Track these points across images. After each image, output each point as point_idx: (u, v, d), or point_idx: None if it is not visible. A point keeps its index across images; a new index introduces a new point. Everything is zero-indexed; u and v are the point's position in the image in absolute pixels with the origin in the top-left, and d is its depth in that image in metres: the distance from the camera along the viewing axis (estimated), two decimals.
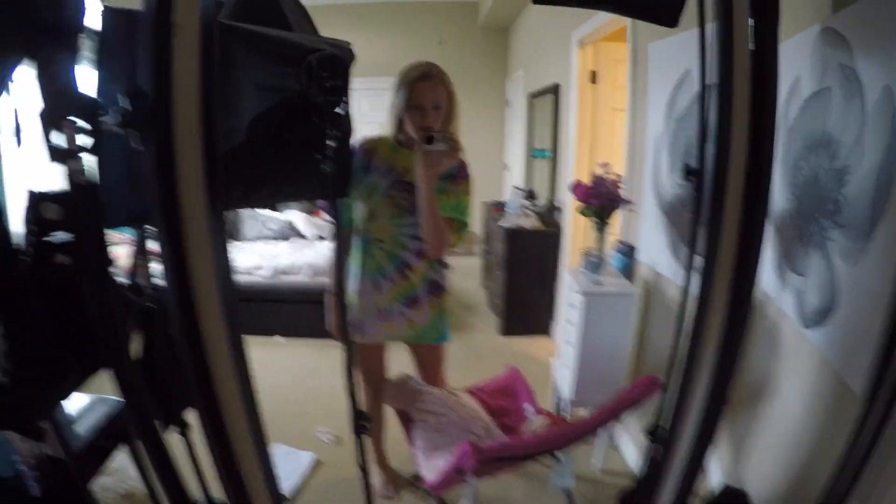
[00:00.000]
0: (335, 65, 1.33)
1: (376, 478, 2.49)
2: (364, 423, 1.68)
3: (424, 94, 1.85)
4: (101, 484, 2.38)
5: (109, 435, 1.80)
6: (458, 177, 1.96)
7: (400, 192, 1.95)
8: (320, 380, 3.71)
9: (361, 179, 1.98)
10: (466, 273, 5.91)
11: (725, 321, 1.30)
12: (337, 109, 1.36)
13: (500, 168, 6.87)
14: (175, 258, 1.07)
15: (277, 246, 5.14)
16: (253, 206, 4.72)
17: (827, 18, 1.49)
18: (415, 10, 6.51)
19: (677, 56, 2.15)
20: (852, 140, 1.38)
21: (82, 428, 1.78)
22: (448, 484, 1.86)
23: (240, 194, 1.39)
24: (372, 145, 2.02)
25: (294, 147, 1.45)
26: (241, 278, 4.54)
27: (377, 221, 1.99)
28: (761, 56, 1.17)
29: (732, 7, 1.16)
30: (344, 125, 1.45)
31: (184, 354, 1.14)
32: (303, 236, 5.55)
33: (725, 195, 1.23)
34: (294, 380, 3.72)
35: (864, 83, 1.34)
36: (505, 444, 1.78)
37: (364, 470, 1.74)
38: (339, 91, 1.35)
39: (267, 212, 5.63)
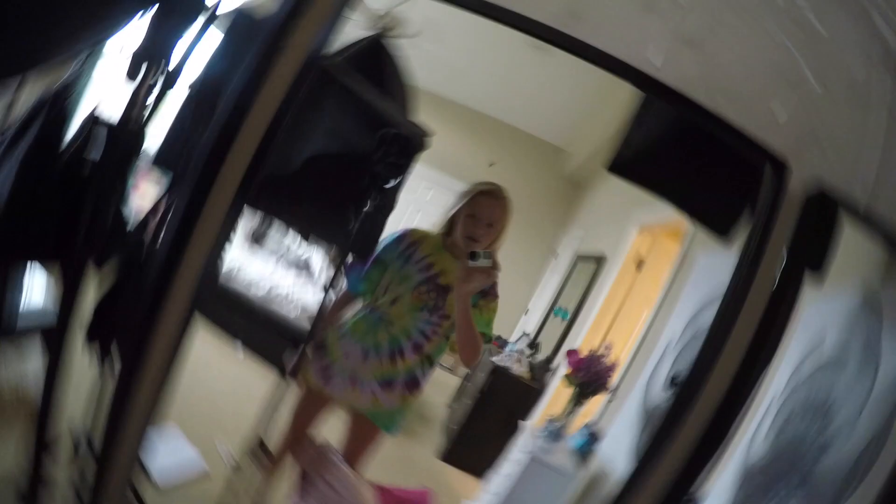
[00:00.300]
0: (406, 146, 1.44)
1: None
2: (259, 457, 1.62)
3: (484, 207, 1.93)
4: None
5: None
6: (489, 294, 1.98)
7: (430, 291, 1.99)
8: (255, 407, 3.56)
9: (399, 267, 2.02)
10: (440, 386, 5.73)
11: None
12: (388, 185, 1.44)
13: (520, 309, 6.83)
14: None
15: (285, 273, 5.12)
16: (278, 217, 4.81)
17: (873, 290, 1.47)
18: (512, 136, 6.74)
19: (718, 274, 2.13)
20: (847, 418, 1.32)
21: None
22: None
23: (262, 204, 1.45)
24: (419, 238, 2.06)
25: (333, 194, 1.52)
26: (237, 285, 4.53)
27: (397, 307, 2.00)
28: (780, 300, 1.14)
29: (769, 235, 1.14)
30: (388, 199, 1.54)
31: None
32: (311, 276, 5.55)
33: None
34: (232, 393, 3.60)
35: (881, 364, 1.29)
36: None
37: None
38: (398, 169, 1.44)
39: (294, 237, 5.67)
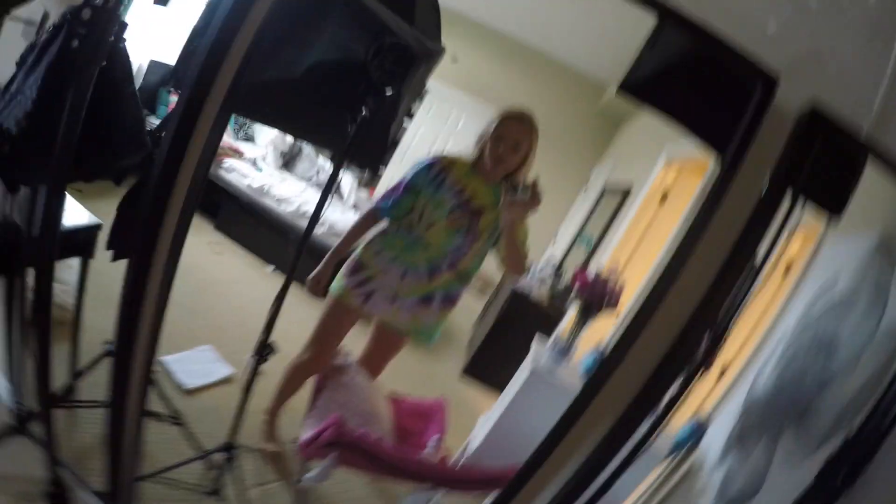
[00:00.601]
0: (402, 55, 1.49)
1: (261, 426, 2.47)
2: (266, 355, 1.76)
3: (511, 130, 2.06)
4: None
5: None
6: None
7: (463, 215, 2.14)
8: (281, 322, 3.74)
9: (431, 193, 2.15)
10: (469, 309, 5.89)
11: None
12: (385, 92, 1.52)
13: (548, 237, 6.88)
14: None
15: (315, 194, 5.24)
16: (269, 124, 4.91)
17: (887, 233, 1.49)
18: (551, 67, 6.61)
19: None
20: (849, 357, 1.38)
21: None
22: (314, 451, 1.87)
23: (263, 110, 1.56)
24: (448, 163, 2.19)
25: (331, 98, 1.61)
26: (269, 204, 4.68)
27: (433, 231, 2.14)
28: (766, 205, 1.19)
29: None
30: (388, 109, 1.62)
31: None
32: (340, 197, 5.67)
33: None
34: (261, 311, 3.75)
35: (890, 305, 1.33)
36: (372, 442, 1.80)
37: (246, 392, 1.81)
38: (395, 77, 1.51)
39: (323, 160, 5.77)
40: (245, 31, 1.16)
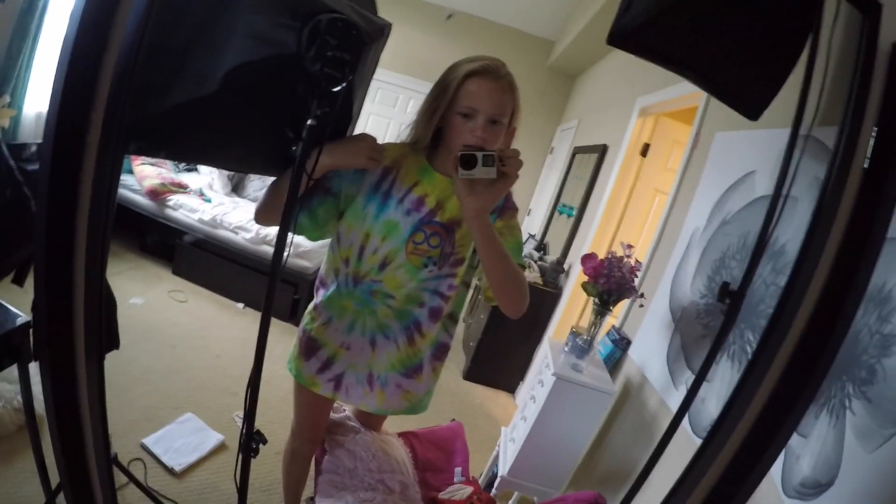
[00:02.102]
0: (348, 34, 1.07)
1: None
2: (255, 446, 1.43)
3: (482, 97, 1.28)
4: None
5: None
6: (506, 207, 1.47)
7: (430, 236, 1.43)
8: (267, 364, 3.44)
9: (375, 211, 1.43)
10: None
11: (724, 474, 1.05)
12: (334, 87, 1.11)
13: (522, 211, 6.64)
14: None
15: None
16: (196, 163, 4.51)
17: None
18: (494, 31, 6.32)
19: (744, 154, 1.91)
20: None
21: None
22: None
23: (176, 145, 1.17)
24: (393, 161, 1.44)
25: (267, 115, 1.22)
26: (225, 235, 4.33)
27: (391, 272, 1.46)
28: (879, 178, 0.92)
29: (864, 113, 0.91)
30: (340, 106, 1.20)
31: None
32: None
33: (778, 338, 0.98)
34: (241, 355, 3.48)
35: None
36: None
37: (242, 490, 1.49)
38: (342, 65, 1.08)
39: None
40: (112, 42, 0.79)
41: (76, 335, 0.96)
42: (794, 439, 1.31)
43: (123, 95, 0.81)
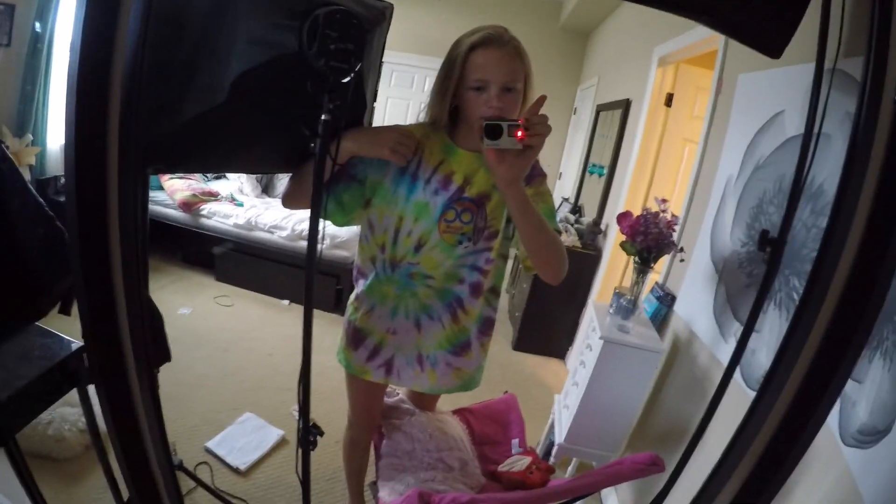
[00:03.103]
0: (348, 24, 1.06)
1: None
2: (312, 438, 1.48)
3: (491, 66, 1.26)
4: (61, 414, 2.26)
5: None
6: (534, 174, 1.45)
7: (461, 213, 1.43)
8: (316, 356, 3.51)
9: (404, 194, 1.44)
10: None
11: (781, 426, 1.04)
12: (342, 79, 1.11)
13: (552, 175, 6.57)
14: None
15: (305, 210, 4.92)
16: (220, 171, 4.58)
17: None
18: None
19: (770, 94, 1.84)
20: None
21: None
22: None
23: (206, 157, 1.18)
24: (417, 139, 1.43)
25: (281, 116, 1.22)
26: (261, 236, 4.41)
27: (426, 252, 1.48)
28: None
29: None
30: (352, 96, 1.20)
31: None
32: None
33: (824, 282, 0.95)
34: (292, 351, 3.57)
35: None
36: (456, 498, 1.55)
37: (305, 482, 1.54)
38: (348, 56, 1.08)
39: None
40: (116, 62, 0.79)
41: (125, 353, 0.99)
42: (849, 385, 1.27)
43: (134, 115, 0.82)
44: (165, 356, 1.56)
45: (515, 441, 2.14)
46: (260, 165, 1.56)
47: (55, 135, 3.60)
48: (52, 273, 1.32)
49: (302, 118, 1.14)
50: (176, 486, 1.19)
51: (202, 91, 1.06)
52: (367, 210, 1.51)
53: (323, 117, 1.10)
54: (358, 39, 1.10)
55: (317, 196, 1.16)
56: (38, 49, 3.29)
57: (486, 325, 1.64)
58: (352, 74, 1.11)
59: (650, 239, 2.17)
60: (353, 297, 1.66)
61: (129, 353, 0.97)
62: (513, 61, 1.28)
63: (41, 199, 1.26)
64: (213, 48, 1.04)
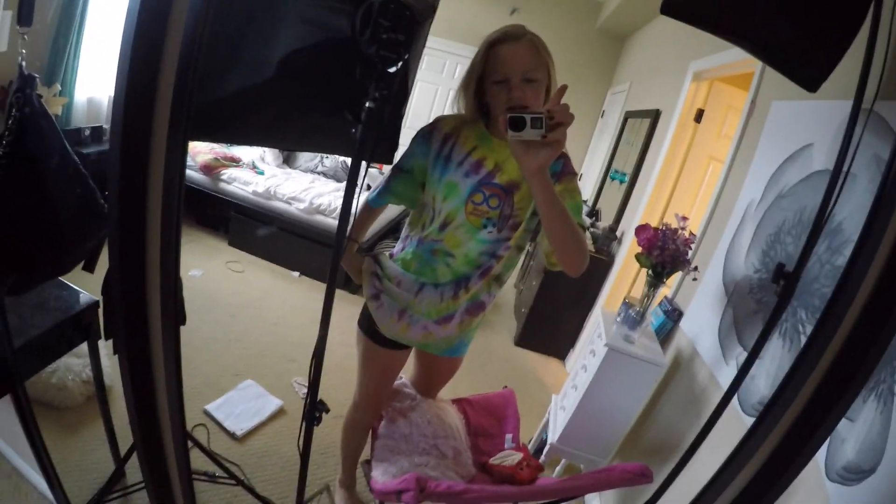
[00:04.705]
0: (401, 15, 1.08)
1: (338, 499, 2.24)
2: (317, 414, 1.52)
3: (508, 60, 1.34)
4: (66, 363, 2.31)
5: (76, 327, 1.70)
6: (564, 172, 1.50)
7: (489, 198, 1.50)
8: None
9: (438, 175, 1.53)
10: None
11: (773, 455, 1.07)
12: (390, 69, 1.13)
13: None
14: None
15: (325, 184, 4.98)
16: (253, 144, 4.59)
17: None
18: None
19: (801, 125, 1.85)
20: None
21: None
22: (387, 498, 1.68)
23: (245, 129, 1.21)
24: (452, 129, 1.53)
25: (325, 98, 1.25)
26: (278, 206, 4.44)
27: (451, 231, 1.55)
28: None
29: None
30: (396, 87, 1.23)
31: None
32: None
33: (835, 321, 0.98)
34: (298, 323, 3.63)
35: None
36: (452, 487, 1.59)
37: (304, 456, 1.59)
38: (398, 47, 1.10)
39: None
40: (172, 31, 0.82)
41: (152, 314, 1.02)
42: (841, 422, 1.30)
43: (191, 76, 0.83)
44: (181, 319, 1.60)
45: (509, 436, 2.17)
46: (296, 144, 1.60)
47: (84, 87, 3.63)
48: (81, 232, 1.35)
49: (345, 102, 1.16)
50: (186, 456, 1.21)
51: (249, 64, 1.08)
52: (423, 193, 1.64)
53: (367, 104, 1.13)
54: (409, 31, 1.13)
55: (352, 183, 1.19)
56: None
57: (475, 307, 1.68)
58: (399, 64, 1.13)
59: (666, 255, 2.18)
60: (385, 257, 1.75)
61: (157, 314, 1.00)
62: (529, 53, 1.35)
63: (77, 158, 1.29)
64: (265, 23, 1.06)
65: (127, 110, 0.85)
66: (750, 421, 1.54)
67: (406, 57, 1.18)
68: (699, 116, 3.39)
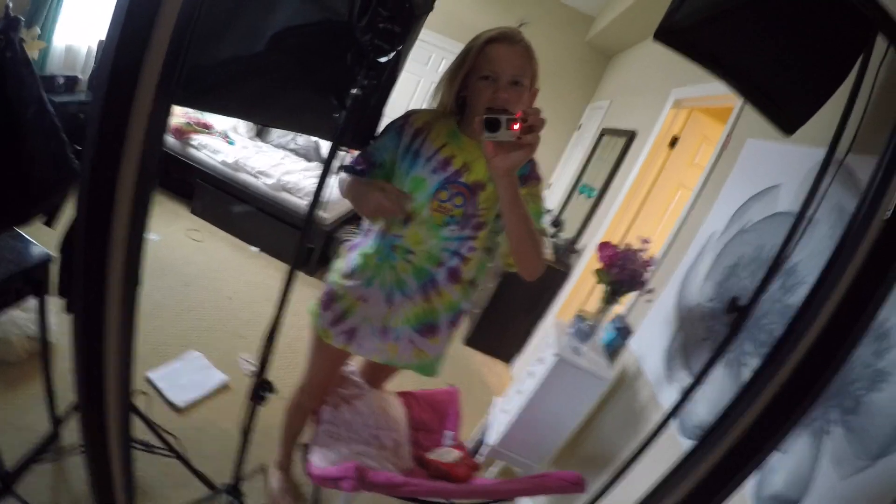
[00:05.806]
0: (400, 6, 1.07)
1: (273, 480, 2.22)
2: (263, 394, 1.51)
3: (501, 61, 1.35)
4: (11, 317, 2.23)
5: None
6: (530, 176, 1.52)
7: (454, 196, 1.49)
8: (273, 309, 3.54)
9: (405, 169, 1.51)
10: None
11: (706, 479, 1.10)
12: (381, 58, 1.12)
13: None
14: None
15: (295, 162, 4.91)
16: (235, 117, 4.53)
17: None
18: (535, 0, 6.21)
19: (772, 165, 1.90)
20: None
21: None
22: (325, 483, 1.67)
23: (227, 100, 1.18)
24: (424, 123, 1.52)
25: (312, 79, 1.23)
26: (245, 179, 4.36)
27: (413, 227, 1.53)
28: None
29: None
30: (384, 77, 1.23)
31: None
32: (320, 160, 5.32)
33: (782, 356, 1.01)
34: (251, 299, 3.57)
35: None
36: (390, 478, 1.59)
37: (245, 434, 1.57)
38: (393, 38, 1.10)
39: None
40: None
41: (111, 275, 0.99)
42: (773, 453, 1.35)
43: (176, 53, 0.81)
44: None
45: (450, 434, 2.19)
46: (276, 121, 1.58)
47: (63, 34, 3.51)
48: (49, 184, 1.31)
49: (332, 86, 1.15)
50: (127, 426, 1.18)
51: (243, 32, 1.06)
52: None
53: (353, 91, 1.12)
54: (406, 22, 1.12)
55: (328, 166, 1.18)
56: None
57: (458, 317, 1.68)
58: (391, 56, 1.13)
59: (625, 274, 2.23)
60: (339, 260, 1.71)
61: (117, 276, 0.97)
62: (521, 58, 1.38)
63: (53, 110, 1.25)
64: (261, 4, 1.05)
65: (115, 67, 0.82)
66: (686, 443, 1.60)
67: (399, 49, 1.18)
68: (674, 143, 3.46)
